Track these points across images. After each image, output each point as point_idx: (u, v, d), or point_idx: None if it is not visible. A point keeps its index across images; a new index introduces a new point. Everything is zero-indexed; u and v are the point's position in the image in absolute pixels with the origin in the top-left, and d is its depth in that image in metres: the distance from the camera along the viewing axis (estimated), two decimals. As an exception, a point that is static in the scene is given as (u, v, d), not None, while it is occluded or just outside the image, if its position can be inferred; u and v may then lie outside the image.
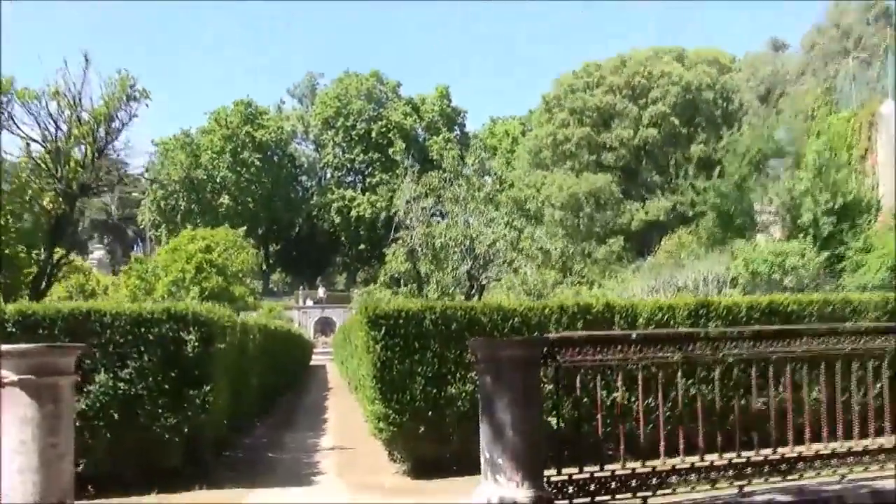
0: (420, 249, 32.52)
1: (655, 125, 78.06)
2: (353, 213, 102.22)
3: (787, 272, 34.66)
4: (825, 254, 36.55)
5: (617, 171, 78.14)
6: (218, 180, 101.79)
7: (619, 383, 9.37)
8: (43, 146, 15.45)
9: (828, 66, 68.72)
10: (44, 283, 15.54)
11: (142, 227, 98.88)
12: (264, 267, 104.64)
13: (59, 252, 16.78)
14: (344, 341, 29.03)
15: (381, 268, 38.41)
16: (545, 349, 8.61)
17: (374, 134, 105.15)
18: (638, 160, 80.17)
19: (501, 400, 8.19)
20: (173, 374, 11.45)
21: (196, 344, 11.51)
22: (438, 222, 34.04)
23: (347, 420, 21.02)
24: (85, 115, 15.65)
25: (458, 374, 12.31)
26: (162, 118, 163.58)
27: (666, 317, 13.39)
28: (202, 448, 12.12)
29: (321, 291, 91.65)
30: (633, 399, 9.50)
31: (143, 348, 11.41)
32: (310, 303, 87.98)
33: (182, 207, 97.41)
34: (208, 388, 11.56)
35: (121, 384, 11.22)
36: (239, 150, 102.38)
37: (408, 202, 33.72)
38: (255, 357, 18.89)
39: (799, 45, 79.79)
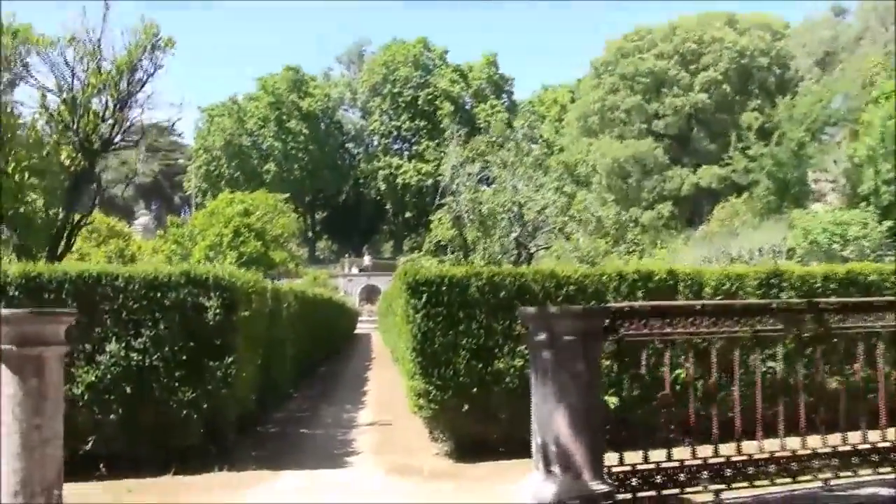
0: (466, 216, 31.39)
1: (707, 91, 76.34)
2: (400, 180, 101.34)
3: (848, 242, 33.26)
4: (888, 223, 35.06)
5: (667, 139, 76.80)
6: (264, 147, 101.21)
7: (689, 360, 8.12)
8: (59, 96, 14.32)
9: (888, 32, 66.75)
10: (62, 246, 14.48)
11: (187, 193, 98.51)
12: (310, 234, 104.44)
13: (78, 213, 15.66)
14: (387, 310, 28.06)
15: (427, 235, 37.14)
16: (607, 321, 7.57)
17: (420, 101, 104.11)
18: (689, 127, 78.79)
19: (557, 378, 7.20)
20: (192, 345, 10.41)
21: (217, 311, 10.45)
22: (485, 189, 32.86)
23: (388, 392, 20.00)
24: (106, 65, 14.52)
25: (506, 348, 11.25)
26: (213, 87, 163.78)
27: (734, 286, 12.25)
28: (224, 425, 11.07)
29: (367, 259, 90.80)
30: (702, 378, 8.42)
31: (158, 315, 10.38)
32: (355, 270, 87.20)
33: (227, 174, 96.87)
34: (230, 359, 10.50)
35: (134, 354, 10.19)
36: (285, 117, 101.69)
37: (454, 167, 32.54)
38: (290, 325, 17.88)
39: (857, 11, 77.51)
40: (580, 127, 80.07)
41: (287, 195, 51.00)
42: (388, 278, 72.35)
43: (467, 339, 11.09)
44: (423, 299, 11.00)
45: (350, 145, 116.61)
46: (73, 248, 27.85)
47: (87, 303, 10.15)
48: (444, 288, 11.09)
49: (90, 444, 10.04)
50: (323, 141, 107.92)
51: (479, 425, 11.28)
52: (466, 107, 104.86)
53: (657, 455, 7.60)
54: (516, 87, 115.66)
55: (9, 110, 14.34)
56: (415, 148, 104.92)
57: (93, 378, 10.01)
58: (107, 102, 14.68)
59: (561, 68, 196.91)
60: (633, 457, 7.52)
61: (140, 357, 10.20)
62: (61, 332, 6.82)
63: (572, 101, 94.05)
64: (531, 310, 7.87)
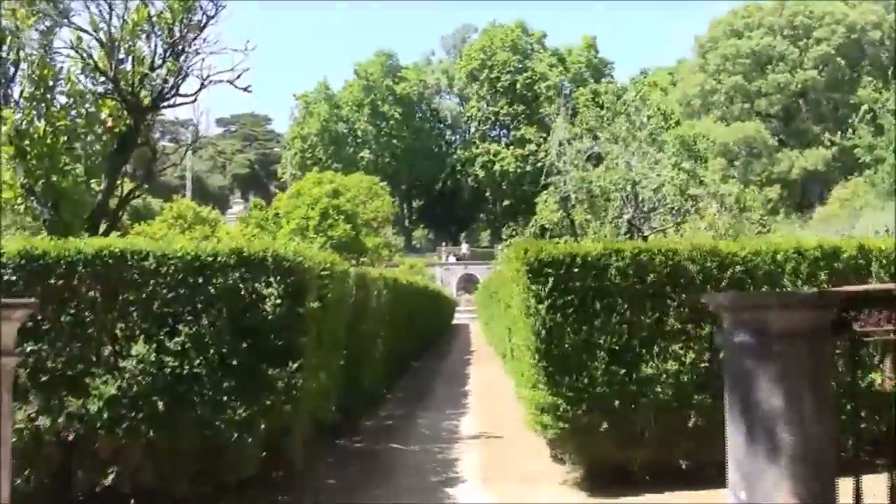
0: (575, 196, 28.66)
1: (817, 68, 72.63)
2: (498, 167, 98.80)
3: None
4: None
5: (771, 119, 73.46)
6: (359, 133, 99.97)
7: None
8: (95, 37, 11.85)
9: None
10: (104, 223, 12.07)
11: (282, 181, 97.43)
12: (406, 223, 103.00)
13: (126, 183, 13.23)
14: (489, 299, 25.51)
15: (532, 218, 34.52)
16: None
17: (518, 86, 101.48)
18: (797, 107, 75.35)
19: (770, 387, 4.97)
20: (245, 346, 7.88)
21: (279, 301, 7.90)
22: (594, 167, 30.05)
23: (493, 393, 17.82)
24: (157, 3, 12.04)
25: (655, 348, 8.71)
26: (308, 74, 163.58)
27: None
28: (291, 448, 8.56)
29: (464, 248, 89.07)
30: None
31: (201, 307, 7.90)
32: (452, 259, 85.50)
33: (322, 161, 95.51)
34: (297, 364, 7.95)
35: (168, 359, 7.70)
36: (379, 103, 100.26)
37: (561, 144, 29.79)
38: (381, 317, 15.39)
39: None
40: (682, 111, 76.78)
41: (383, 182, 48.99)
42: (485, 267, 71.31)
43: (606, 337, 8.58)
44: (549, 285, 8.42)
45: (447, 132, 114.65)
46: (145, 230, 25.95)
47: (107, 290, 7.81)
48: (575, 270, 8.51)
49: (111, 478, 7.65)
50: (418, 127, 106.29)
51: (620, 448, 8.80)
52: (566, 91, 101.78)
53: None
54: (616, 70, 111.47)
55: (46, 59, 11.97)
56: (513, 134, 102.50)
57: (114, 390, 7.57)
58: (156, 48, 12.19)
59: (663, 50, 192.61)
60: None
61: (177, 362, 7.72)
62: (12, 331, 4.39)
63: (673, 84, 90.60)
64: (727, 296, 5.43)
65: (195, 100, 12.82)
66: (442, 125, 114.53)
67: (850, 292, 5.78)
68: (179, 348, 7.76)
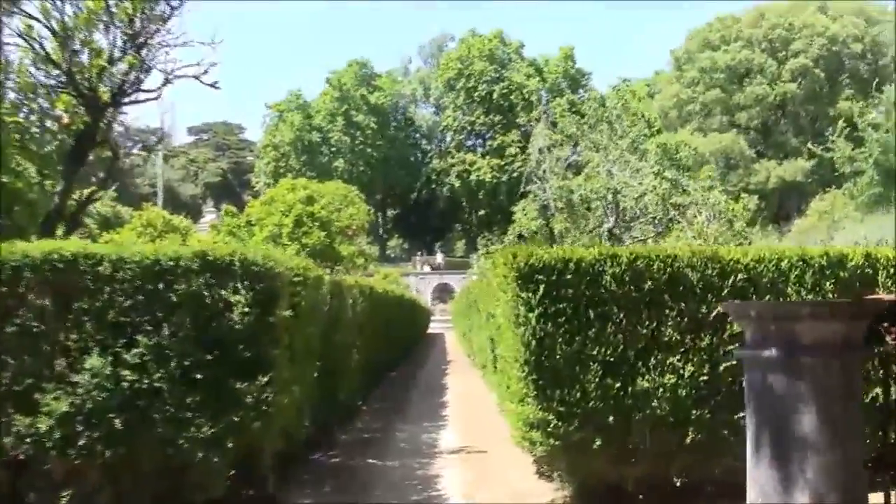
0: (554, 204, 28.20)
1: (795, 80, 72.74)
2: (473, 177, 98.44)
3: None
4: None
5: (750, 131, 73.64)
6: (332, 143, 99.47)
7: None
8: (46, 25, 11.07)
9: None
10: (61, 228, 11.30)
11: (255, 189, 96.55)
12: (381, 232, 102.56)
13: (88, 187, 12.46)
14: (467, 309, 24.88)
15: (509, 227, 34.00)
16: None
17: (495, 96, 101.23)
18: (775, 119, 75.58)
19: (798, 406, 4.60)
20: (211, 358, 7.24)
21: (247, 309, 7.27)
22: (574, 175, 29.63)
23: (472, 405, 17.32)
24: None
25: (651, 360, 8.06)
26: (282, 83, 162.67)
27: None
28: (262, 464, 7.93)
29: (439, 257, 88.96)
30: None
31: (161, 316, 7.24)
32: (427, 269, 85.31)
33: (296, 170, 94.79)
34: (266, 378, 7.33)
35: (126, 373, 7.03)
36: (353, 112, 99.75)
37: (541, 151, 29.33)
38: (358, 327, 14.78)
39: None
40: (659, 122, 76.96)
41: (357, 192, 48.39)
42: (461, 277, 71.50)
43: (600, 349, 7.93)
44: (540, 293, 7.80)
45: (423, 142, 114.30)
46: (114, 238, 25.18)
47: (58, 298, 7.14)
48: (567, 277, 7.89)
49: (65, 501, 7.02)
50: (393, 137, 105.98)
51: (614, 465, 8.17)
52: (543, 101, 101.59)
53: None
54: (594, 81, 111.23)
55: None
56: (489, 144, 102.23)
57: (66, 407, 6.91)
58: (115, 40, 11.44)
59: (640, 62, 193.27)
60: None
61: (135, 376, 7.07)
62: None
63: (650, 95, 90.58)
64: (752, 305, 4.89)
65: (159, 96, 12.09)
66: (418, 135, 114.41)
67: (886, 301, 5.27)
68: (138, 361, 7.08)
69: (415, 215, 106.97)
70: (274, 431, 7.83)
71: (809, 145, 67.96)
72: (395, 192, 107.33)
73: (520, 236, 31.82)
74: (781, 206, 71.12)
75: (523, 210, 31.51)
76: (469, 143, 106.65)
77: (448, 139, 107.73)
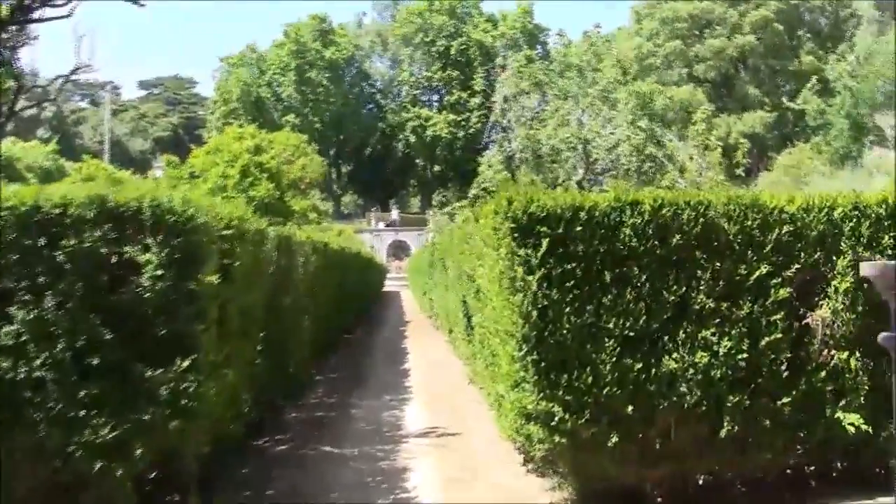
0: (520, 156, 26.54)
1: (755, 33, 71.81)
2: (430, 132, 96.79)
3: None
4: None
5: (709, 84, 72.72)
6: (284, 98, 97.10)
7: None
8: None
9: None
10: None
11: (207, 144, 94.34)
12: (336, 188, 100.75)
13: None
14: (428, 267, 23.15)
15: (470, 182, 32.39)
16: None
17: (453, 51, 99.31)
18: (735, 72, 74.76)
19: None
20: (112, 337, 5.45)
21: (160, 272, 5.49)
22: (541, 125, 27.97)
23: (438, 374, 15.70)
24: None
25: (681, 333, 6.44)
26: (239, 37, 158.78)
27: None
28: (185, 469, 6.17)
29: (395, 214, 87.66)
30: None
31: (44, 281, 5.42)
32: (382, 225, 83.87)
33: (246, 125, 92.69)
34: (186, 362, 5.56)
35: (-2, 359, 5.27)
36: (306, 67, 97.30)
37: (506, 99, 27.60)
38: (311, 288, 13.02)
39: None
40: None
41: (307, 140, 46.39)
42: (417, 233, 70.17)
43: (617, 321, 6.28)
44: (543, 249, 6.09)
45: (378, 96, 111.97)
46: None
47: None
48: (578, 229, 6.18)
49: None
50: (347, 91, 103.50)
51: (630, 465, 6.55)
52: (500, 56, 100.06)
53: None
54: (552, 37, 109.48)
55: None
56: (446, 99, 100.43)
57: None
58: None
59: (603, 19, 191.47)
60: None
61: (8, 362, 5.27)
62: None
63: (609, 51, 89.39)
64: None
65: (70, 13, 10.16)
66: (373, 89, 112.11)
67: None
68: (12, 342, 5.29)
69: (369, 171, 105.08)
70: (199, 429, 6.04)
71: (769, 99, 67.19)
72: (349, 147, 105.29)
73: (484, 189, 30.19)
74: (734, 161, 70.67)
75: (488, 162, 29.84)
76: (425, 98, 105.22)
77: (403, 94, 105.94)
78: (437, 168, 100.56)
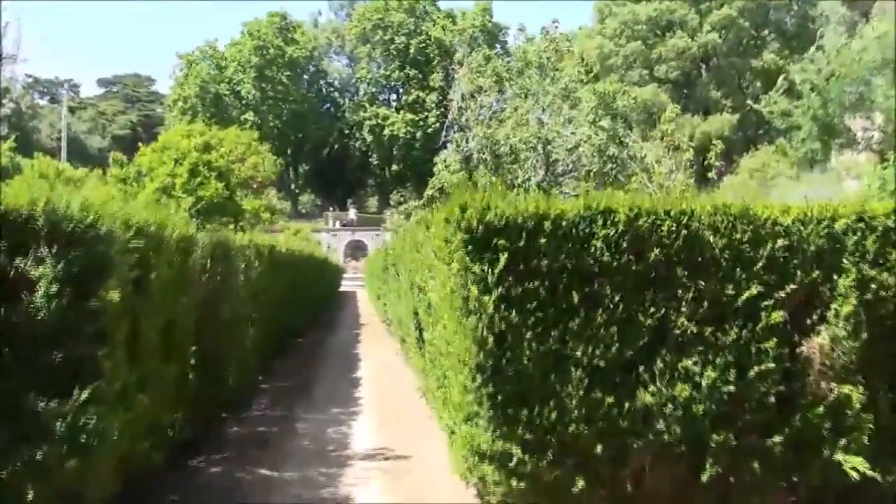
0: (478, 156, 25.84)
1: (718, 31, 71.97)
2: (388, 132, 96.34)
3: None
4: None
5: (671, 85, 72.69)
6: (242, 95, 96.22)
7: None
8: None
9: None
10: None
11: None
12: (293, 187, 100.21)
13: None
14: (383, 272, 22.42)
15: (427, 182, 31.61)
16: None
17: (412, 50, 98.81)
18: (697, 72, 74.89)
19: None
20: (-4, 365, 4.67)
21: (56, 288, 4.72)
22: (499, 125, 27.27)
23: (389, 382, 15.25)
24: None
25: (658, 363, 5.81)
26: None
27: None
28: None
29: (352, 213, 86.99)
30: None
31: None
32: (339, 225, 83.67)
33: (204, 123, 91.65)
34: (86, 392, 4.79)
35: None
36: (266, 65, 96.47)
37: (464, 98, 26.88)
38: (254, 295, 12.28)
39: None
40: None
41: (266, 144, 45.54)
42: (374, 233, 69.67)
43: (585, 348, 5.60)
44: (501, 265, 5.38)
45: (335, 95, 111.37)
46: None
47: None
48: (542, 241, 5.47)
49: None
50: (306, 90, 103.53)
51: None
52: (459, 53, 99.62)
53: None
54: (511, 36, 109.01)
55: None
56: (404, 98, 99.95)
57: None
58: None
59: (563, 18, 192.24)
60: None
61: None
62: None
63: (569, 51, 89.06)
64: None
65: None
66: (331, 88, 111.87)
67: None
68: None
69: (327, 170, 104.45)
70: (104, 468, 5.27)
71: (730, 101, 67.08)
72: (307, 146, 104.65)
73: (440, 190, 29.41)
74: (705, 163, 70.53)
75: (444, 162, 29.09)
76: (383, 97, 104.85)
77: (361, 92, 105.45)
78: (394, 168, 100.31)
